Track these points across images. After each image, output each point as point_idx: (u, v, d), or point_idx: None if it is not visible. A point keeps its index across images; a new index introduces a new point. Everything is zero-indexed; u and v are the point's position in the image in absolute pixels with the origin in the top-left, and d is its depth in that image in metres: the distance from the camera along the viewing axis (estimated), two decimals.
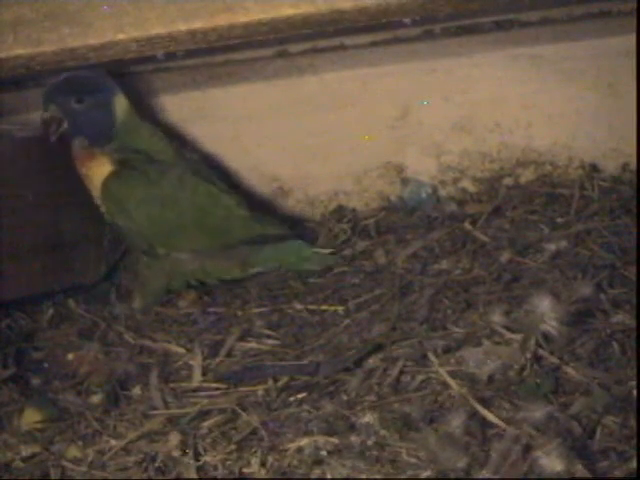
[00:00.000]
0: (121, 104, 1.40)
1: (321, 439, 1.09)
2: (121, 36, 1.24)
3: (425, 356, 1.19)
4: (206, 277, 1.44)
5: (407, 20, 1.27)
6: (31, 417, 1.23)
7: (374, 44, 1.43)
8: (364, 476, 1.03)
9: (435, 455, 1.02)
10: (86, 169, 1.40)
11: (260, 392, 1.21)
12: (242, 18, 1.22)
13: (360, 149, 1.55)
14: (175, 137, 1.49)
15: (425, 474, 1.02)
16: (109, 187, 1.39)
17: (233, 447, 1.11)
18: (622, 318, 1.19)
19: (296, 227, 1.53)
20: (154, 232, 1.40)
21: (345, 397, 1.16)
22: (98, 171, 1.40)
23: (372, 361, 1.22)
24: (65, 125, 1.38)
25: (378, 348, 1.23)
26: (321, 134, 1.54)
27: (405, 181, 1.57)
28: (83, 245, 1.47)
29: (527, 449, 1.00)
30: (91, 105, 1.39)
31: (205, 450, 1.12)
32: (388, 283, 1.39)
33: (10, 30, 1.24)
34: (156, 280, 1.44)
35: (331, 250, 1.46)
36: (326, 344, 1.29)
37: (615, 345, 1.16)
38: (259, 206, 1.56)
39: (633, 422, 1.03)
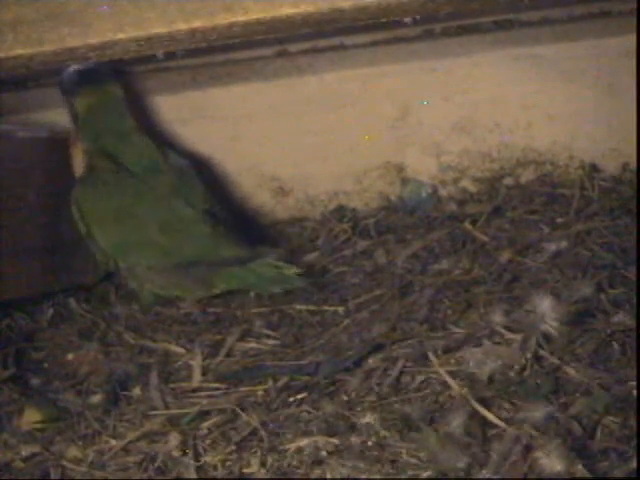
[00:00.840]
0: (82, 104, 1.40)
1: (321, 439, 1.09)
2: (121, 36, 1.24)
3: (425, 356, 1.19)
4: (173, 293, 1.41)
5: (407, 20, 1.27)
6: (31, 417, 1.23)
7: (374, 44, 1.44)
8: (364, 476, 1.03)
9: (435, 455, 1.02)
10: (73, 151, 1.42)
11: (260, 392, 1.21)
12: (242, 17, 1.22)
13: (360, 149, 1.55)
14: (170, 139, 1.49)
15: (425, 474, 1.02)
16: (74, 191, 1.40)
17: (233, 447, 1.11)
18: (622, 318, 1.19)
19: (290, 235, 1.53)
20: (111, 246, 1.39)
21: (345, 397, 1.16)
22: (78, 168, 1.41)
23: (372, 361, 1.22)
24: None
25: (378, 348, 1.23)
26: (321, 134, 1.54)
27: (405, 181, 1.57)
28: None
29: (527, 449, 1.00)
30: (65, 100, 1.41)
31: (205, 450, 1.12)
32: (388, 283, 1.39)
33: (10, 30, 1.24)
34: (139, 290, 1.42)
35: (298, 271, 1.35)
36: (326, 344, 1.29)
37: (615, 345, 1.16)
38: (259, 206, 1.56)
39: (633, 422, 1.03)
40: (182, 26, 1.23)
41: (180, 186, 1.40)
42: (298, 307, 1.39)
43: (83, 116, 1.40)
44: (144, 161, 1.40)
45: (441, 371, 1.16)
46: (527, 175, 1.54)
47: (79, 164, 1.41)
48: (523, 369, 1.13)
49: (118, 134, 1.41)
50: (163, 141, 1.47)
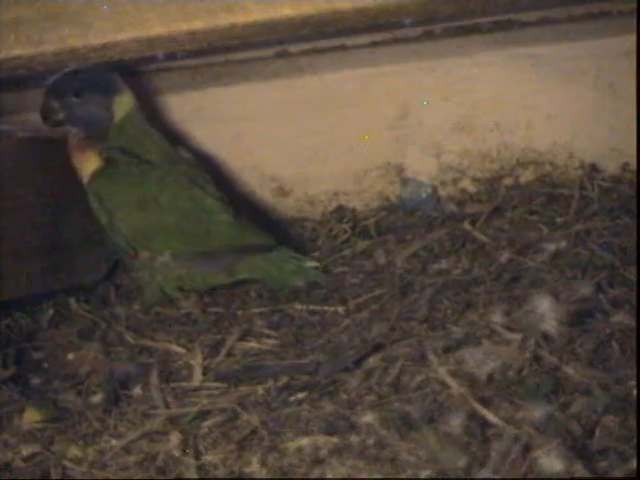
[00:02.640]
0: (123, 104, 1.40)
1: (321, 439, 1.09)
2: (121, 36, 1.24)
3: (425, 356, 1.19)
4: (193, 282, 1.42)
5: (407, 20, 1.27)
6: (31, 417, 1.23)
7: (374, 44, 1.43)
8: (364, 476, 1.03)
9: (435, 454, 1.03)
10: (77, 162, 1.41)
11: (260, 392, 1.21)
12: (242, 18, 1.22)
13: (360, 149, 1.55)
14: (174, 137, 1.49)
15: (425, 473, 1.02)
16: (93, 184, 1.39)
17: (233, 447, 1.12)
18: (622, 318, 1.19)
19: (290, 235, 1.53)
20: (135, 234, 1.39)
21: (345, 397, 1.16)
22: (87, 166, 1.40)
23: (372, 361, 1.22)
24: (61, 116, 1.39)
25: (378, 348, 1.23)
26: (321, 134, 1.54)
27: (405, 181, 1.57)
28: (83, 245, 1.47)
29: (527, 449, 1.00)
30: (89, 101, 1.39)
31: (205, 449, 1.12)
32: (388, 283, 1.39)
33: (10, 30, 1.24)
34: (149, 283, 1.43)
35: (316, 264, 1.41)
36: (326, 344, 1.29)
37: (615, 345, 1.16)
38: (259, 206, 1.56)
39: (632, 422, 1.03)
40: (182, 27, 1.23)
41: (196, 177, 1.42)
42: (298, 307, 1.39)
43: (118, 115, 1.41)
44: (162, 153, 1.42)
45: (441, 371, 1.16)
46: (527, 175, 1.55)
47: (72, 155, 1.40)
48: (522, 369, 1.13)
49: (140, 130, 1.42)
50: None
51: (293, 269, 1.40)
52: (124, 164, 1.39)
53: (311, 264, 1.41)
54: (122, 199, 1.39)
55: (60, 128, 1.41)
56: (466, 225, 1.47)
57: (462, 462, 1.01)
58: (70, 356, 1.36)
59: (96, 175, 1.39)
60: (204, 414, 1.18)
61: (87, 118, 1.40)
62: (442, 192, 1.56)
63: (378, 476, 1.03)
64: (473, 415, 1.07)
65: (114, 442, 1.16)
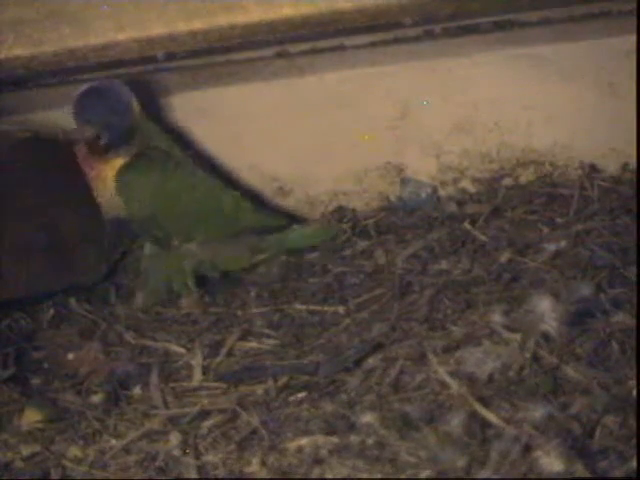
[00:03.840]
0: (136, 106, 1.42)
1: (321, 439, 1.09)
2: (121, 36, 1.24)
3: (425, 356, 1.19)
4: (214, 268, 1.46)
5: (407, 20, 1.27)
6: (31, 417, 1.23)
7: (374, 44, 1.43)
8: (364, 476, 1.03)
9: (435, 454, 1.03)
10: (98, 171, 1.41)
11: (260, 392, 1.21)
12: (242, 18, 1.22)
13: (360, 149, 1.55)
14: (174, 137, 1.49)
15: (425, 474, 1.02)
16: (125, 176, 1.40)
17: (233, 447, 1.12)
18: (622, 318, 1.19)
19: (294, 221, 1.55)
20: (170, 221, 1.43)
21: (345, 397, 1.16)
22: (114, 163, 1.41)
23: (372, 361, 1.22)
24: (106, 139, 1.38)
25: (378, 348, 1.23)
26: (321, 134, 1.54)
27: (405, 181, 1.57)
28: (83, 245, 1.47)
29: (527, 449, 1.00)
30: (117, 112, 1.40)
31: (205, 450, 1.12)
32: (388, 283, 1.39)
33: (10, 30, 1.24)
34: (158, 278, 1.44)
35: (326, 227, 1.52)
36: (326, 344, 1.29)
37: (615, 345, 1.16)
38: (259, 206, 1.56)
39: (633, 422, 1.03)
40: (182, 27, 1.23)
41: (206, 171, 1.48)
42: (298, 307, 1.39)
43: (135, 116, 1.42)
44: (177, 152, 1.45)
45: (440, 371, 1.16)
46: (527, 175, 1.54)
47: (90, 167, 1.40)
48: (522, 369, 1.13)
49: (151, 128, 1.45)
50: None
51: (309, 233, 1.51)
52: (154, 157, 1.42)
53: (321, 226, 1.53)
54: (158, 187, 1.42)
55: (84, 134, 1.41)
56: (466, 225, 1.47)
57: (462, 462, 1.01)
58: (70, 356, 1.36)
59: (127, 168, 1.40)
60: (204, 414, 1.18)
61: (116, 129, 1.40)
62: (442, 192, 1.56)
63: (378, 476, 1.03)
64: (473, 415, 1.07)
65: (114, 442, 1.16)
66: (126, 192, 1.41)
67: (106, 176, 1.41)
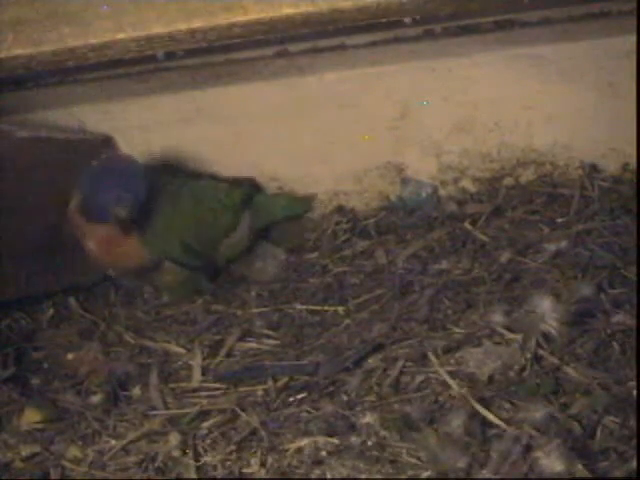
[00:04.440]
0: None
1: (321, 439, 1.09)
2: (121, 36, 1.24)
3: (425, 356, 1.20)
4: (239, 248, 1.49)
5: (407, 20, 1.27)
6: (31, 417, 1.23)
7: (374, 44, 1.43)
8: (364, 476, 1.03)
9: (435, 455, 1.03)
10: (103, 237, 1.38)
11: (260, 392, 1.21)
12: (242, 17, 1.22)
13: (360, 149, 1.55)
14: (169, 140, 1.50)
15: (425, 474, 1.02)
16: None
17: (233, 447, 1.12)
18: (622, 318, 1.19)
19: (278, 242, 1.57)
20: (208, 236, 1.46)
21: (345, 397, 1.16)
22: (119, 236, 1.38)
23: (372, 361, 1.22)
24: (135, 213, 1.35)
25: (378, 348, 1.23)
26: (321, 134, 1.54)
27: (405, 181, 1.57)
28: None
29: (527, 449, 1.00)
30: (136, 188, 1.37)
31: (205, 450, 1.12)
32: (388, 283, 1.39)
33: (10, 30, 1.24)
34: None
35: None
36: (326, 344, 1.29)
37: (615, 345, 1.16)
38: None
39: (633, 422, 1.03)
40: (182, 26, 1.23)
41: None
42: (298, 307, 1.39)
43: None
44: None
45: (441, 371, 1.16)
46: (527, 175, 1.54)
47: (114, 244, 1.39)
48: (523, 369, 1.13)
49: None
50: None
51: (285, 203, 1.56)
52: (171, 189, 1.43)
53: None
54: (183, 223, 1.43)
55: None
56: (466, 225, 1.47)
57: (462, 463, 1.01)
58: (70, 356, 1.36)
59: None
60: (203, 415, 1.18)
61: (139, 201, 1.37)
62: (442, 192, 1.56)
63: (378, 477, 1.03)
64: (474, 415, 1.07)
65: (113, 442, 1.17)
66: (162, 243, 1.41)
67: (110, 240, 1.37)
